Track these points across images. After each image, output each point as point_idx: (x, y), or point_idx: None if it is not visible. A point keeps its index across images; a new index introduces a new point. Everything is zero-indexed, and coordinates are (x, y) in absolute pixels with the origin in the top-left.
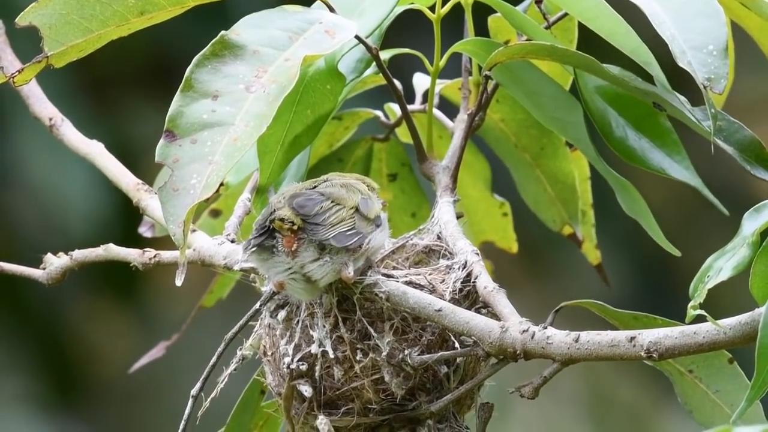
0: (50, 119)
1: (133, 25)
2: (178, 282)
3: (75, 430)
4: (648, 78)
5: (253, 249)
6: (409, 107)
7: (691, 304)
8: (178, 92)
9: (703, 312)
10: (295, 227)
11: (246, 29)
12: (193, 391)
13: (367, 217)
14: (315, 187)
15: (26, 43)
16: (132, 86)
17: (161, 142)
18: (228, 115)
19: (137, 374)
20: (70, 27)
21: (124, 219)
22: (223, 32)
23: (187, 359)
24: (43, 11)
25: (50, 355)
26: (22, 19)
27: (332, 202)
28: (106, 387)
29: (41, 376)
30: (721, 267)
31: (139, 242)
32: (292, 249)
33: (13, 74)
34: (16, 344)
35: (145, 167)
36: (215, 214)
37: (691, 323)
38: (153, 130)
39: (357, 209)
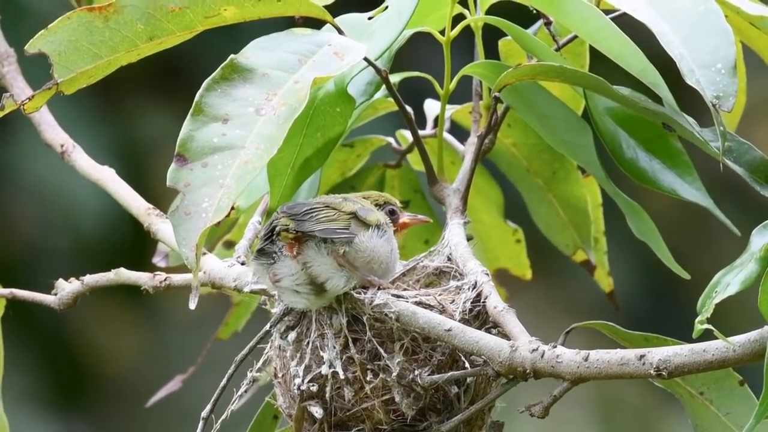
0: (62, 146)
1: (142, 50)
2: (192, 305)
3: (80, 430)
4: (658, 99)
5: (255, 257)
6: (421, 132)
7: (698, 319)
8: (188, 116)
9: (710, 327)
10: (296, 233)
11: (255, 52)
12: (204, 413)
13: (365, 221)
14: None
15: (39, 69)
16: (138, 87)
17: (172, 166)
18: (238, 138)
19: (143, 374)
20: (79, 53)
21: (133, 222)
22: (232, 56)
23: (193, 360)
24: (52, 38)
25: (56, 354)
26: (32, 47)
27: (324, 205)
28: (112, 386)
29: (46, 376)
30: (729, 282)
31: (149, 243)
32: (294, 253)
33: (23, 102)
34: (21, 343)
35: (150, 168)
36: (229, 245)
37: (699, 339)
38: (158, 131)
39: (355, 215)
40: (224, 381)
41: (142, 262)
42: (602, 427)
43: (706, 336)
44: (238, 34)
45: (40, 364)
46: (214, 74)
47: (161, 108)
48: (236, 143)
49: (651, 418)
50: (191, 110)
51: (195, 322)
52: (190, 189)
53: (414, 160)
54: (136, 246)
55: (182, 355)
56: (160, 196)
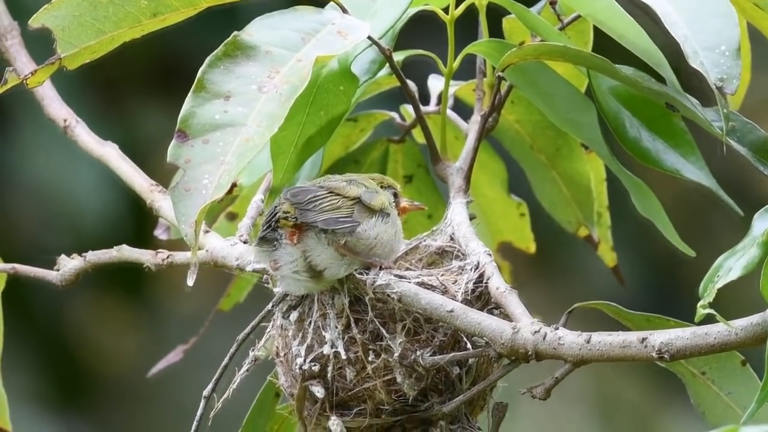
0: (65, 120)
1: (145, 26)
2: (190, 281)
3: (81, 429)
4: (661, 79)
5: (257, 243)
6: (424, 109)
7: (700, 303)
8: (190, 93)
9: (712, 311)
10: (297, 221)
11: (258, 30)
12: (205, 392)
13: (369, 207)
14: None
15: (40, 46)
16: (140, 85)
17: (173, 142)
18: (240, 115)
19: (143, 373)
20: (82, 29)
21: (135, 216)
22: (235, 33)
23: (195, 357)
24: (55, 13)
25: (56, 353)
26: (35, 21)
27: (328, 192)
28: (113, 385)
29: (47, 375)
30: (731, 267)
31: (151, 239)
32: (294, 241)
33: (26, 76)
34: (21, 342)
35: (153, 165)
36: (232, 216)
37: (701, 323)
38: (160, 129)
39: (359, 200)
40: (226, 359)
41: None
42: (601, 425)
43: (708, 319)
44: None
45: (40, 363)
46: (216, 51)
47: (161, 107)
48: (238, 120)
49: (650, 416)
50: (193, 87)
51: (195, 321)
52: (190, 165)
53: (418, 134)
54: (138, 244)
55: (187, 352)
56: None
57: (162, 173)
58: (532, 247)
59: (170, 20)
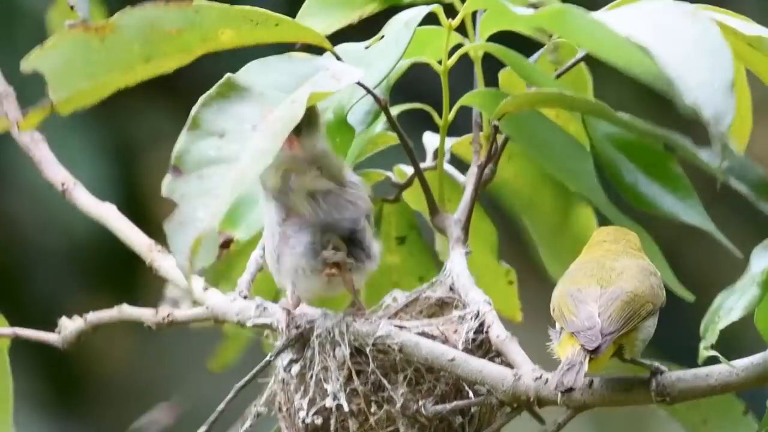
0: (63, 184)
1: (138, 72)
2: (184, 312)
3: (75, 430)
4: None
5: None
6: (421, 165)
7: (703, 345)
8: (184, 130)
9: (715, 353)
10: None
11: (252, 73)
12: None
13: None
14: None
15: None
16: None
17: (168, 177)
18: (234, 151)
19: (137, 375)
20: (74, 73)
21: (132, 217)
22: (229, 74)
23: (188, 360)
24: (47, 57)
25: (49, 355)
26: (26, 65)
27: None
28: (106, 387)
29: (42, 376)
30: (731, 307)
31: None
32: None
33: (18, 119)
34: (14, 344)
35: (144, 165)
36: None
37: (695, 356)
38: (153, 129)
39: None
40: (221, 405)
41: (139, 265)
42: (598, 427)
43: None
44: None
45: (36, 364)
46: (210, 91)
47: (156, 105)
48: (232, 156)
49: (645, 421)
50: (187, 124)
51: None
52: (185, 199)
53: (410, 198)
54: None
55: (179, 356)
56: (155, 194)
57: (154, 171)
58: (518, 316)
59: (164, 67)
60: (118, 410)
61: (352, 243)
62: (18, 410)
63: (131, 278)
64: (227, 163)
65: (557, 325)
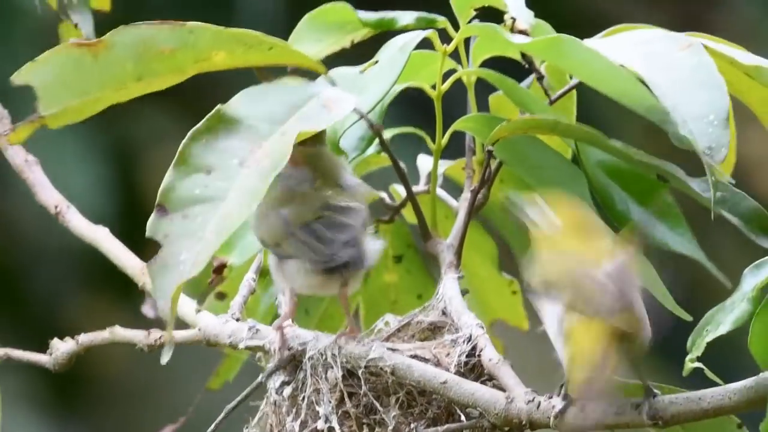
0: (56, 207)
1: (130, 90)
2: (164, 360)
3: (73, 431)
4: (649, 151)
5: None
6: (414, 188)
7: (688, 357)
8: (171, 166)
9: (701, 365)
10: None
11: (243, 103)
12: None
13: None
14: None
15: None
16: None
17: (153, 216)
18: (220, 190)
19: (137, 374)
20: (66, 88)
21: (127, 220)
22: (219, 106)
23: (188, 360)
24: (40, 71)
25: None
26: (19, 78)
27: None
28: (106, 387)
29: (39, 376)
30: (720, 321)
31: (141, 244)
32: None
33: (5, 132)
34: (14, 343)
35: (141, 166)
36: (221, 296)
37: (692, 375)
38: (150, 130)
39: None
40: (212, 427)
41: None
42: None
43: (701, 377)
44: None
45: (33, 366)
46: (199, 125)
47: (154, 105)
48: (218, 195)
49: None
50: (174, 160)
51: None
52: (168, 240)
53: (408, 214)
54: (132, 248)
55: (176, 356)
56: (153, 194)
57: (151, 173)
58: (525, 324)
59: (156, 85)
60: (118, 411)
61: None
62: (17, 410)
63: (131, 279)
64: (213, 202)
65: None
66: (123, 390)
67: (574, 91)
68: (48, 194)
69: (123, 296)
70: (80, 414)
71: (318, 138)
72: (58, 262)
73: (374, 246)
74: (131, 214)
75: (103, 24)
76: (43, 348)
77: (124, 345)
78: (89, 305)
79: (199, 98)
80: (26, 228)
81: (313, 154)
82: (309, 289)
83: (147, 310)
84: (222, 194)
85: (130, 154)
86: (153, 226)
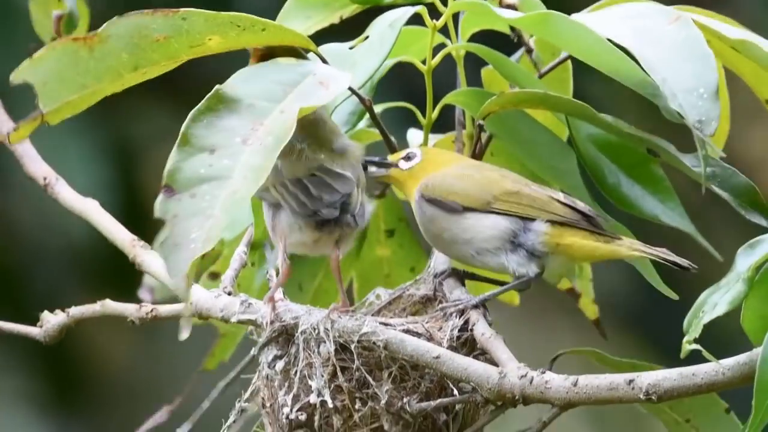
0: (44, 178)
1: (126, 80)
2: (183, 336)
3: (74, 430)
4: (641, 123)
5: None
6: None
7: (686, 339)
8: (174, 148)
9: (698, 347)
10: None
11: (240, 83)
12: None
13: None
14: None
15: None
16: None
17: (160, 197)
18: (225, 168)
19: (137, 374)
20: (64, 84)
21: (128, 220)
22: (218, 86)
23: (187, 359)
24: (37, 68)
25: (49, 355)
26: (17, 77)
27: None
28: (106, 386)
29: (40, 376)
30: (716, 302)
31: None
32: None
33: (8, 132)
34: (14, 344)
35: (143, 166)
36: (214, 276)
37: (686, 358)
38: (153, 127)
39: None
40: (206, 404)
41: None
42: (592, 427)
43: (695, 356)
44: None
45: (32, 363)
46: (199, 105)
47: (156, 104)
48: (224, 173)
49: (642, 418)
50: (177, 141)
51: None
52: (178, 220)
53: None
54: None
55: (176, 354)
56: (153, 194)
57: (152, 172)
58: (516, 300)
59: (151, 73)
60: (117, 409)
61: (342, 210)
62: (17, 410)
63: (131, 278)
64: (219, 180)
65: None
66: (123, 390)
67: (569, 63)
68: (36, 166)
69: (123, 295)
70: (80, 414)
71: None
72: (58, 261)
73: (368, 208)
74: (133, 213)
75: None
76: (43, 347)
77: (124, 345)
78: (88, 302)
79: (201, 98)
80: (27, 228)
81: (311, 121)
82: (302, 248)
83: (144, 293)
84: (227, 172)
85: (132, 154)
86: (161, 206)
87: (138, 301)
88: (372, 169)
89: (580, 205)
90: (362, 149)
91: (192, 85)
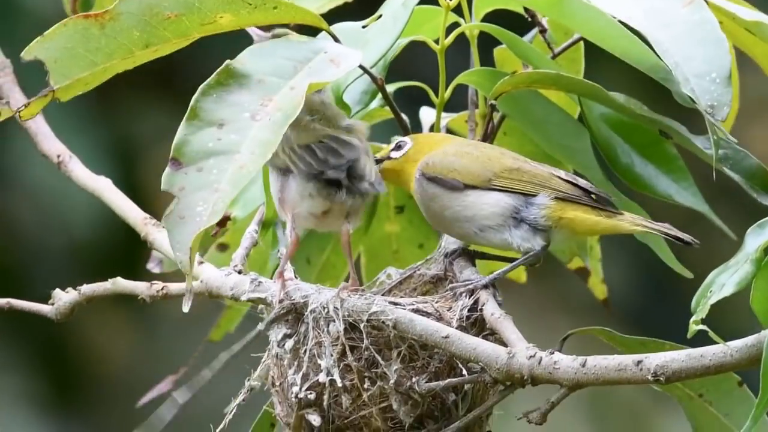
0: (58, 156)
1: (138, 57)
2: (185, 309)
3: (74, 430)
4: (653, 104)
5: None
6: None
7: (693, 319)
8: (183, 121)
9: (705, 327)
10: None
11: (251, 58)
12: (178, 397)
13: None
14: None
15: (34, 76)
16: (133, 82)
17: (167, 170)
18: (233, 143)
19: (136, 373)
20: (75, 60)
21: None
22: (228, 61)
23: (187, 358)
24: (48, 45)
25: (49, 354)
26: (28, 54)
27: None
28: (105, 386)
29: (40, 376)
30: (723, 283)
31: (143, 244)
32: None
33: (19, 108)
34: (14, 343)
35: (145, 163)
36: (222, 248)
37: (695, 339)
38: (153, 127)
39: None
40: (206, 373)
41: (137, 263)
42: (593, 424)
43: (704, 338)
44: (232, 33)
45: (33, 363)
46: (209, 79)
47: (156, 104)
48: (231, 148)
49: (643, 415)
50: (186, 115)
51: (188, 320)
52: (184, 193)
53: None
54: (131, 246)
55: (175, 353)
56: (155, 194)
57: (157, 174)
58: (523, 277)
59: (162, 51)
60: (116, 408)
61: (352, 176)
62: (18, 409)
63: (132, 277)
64: (227, 154)
65: None
66: (123, 389)
67: (581, 43)
68: (50, 144)
69: (123, 296)
70: (80, 413)
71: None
72: (58, 260)
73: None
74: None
75: None
76: (43, 346)
77: (124, 344)
78: (89, 306)
79: None
80: (27, 227)
81: (318, 103)
82: (311, 220)
83: (152, 266)
84: (235, 147)
85: (134, 153)
86: (168, 179)
87: (137, 301)
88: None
89: (582, 182)
90: (367, 126)
91: (192, 84)
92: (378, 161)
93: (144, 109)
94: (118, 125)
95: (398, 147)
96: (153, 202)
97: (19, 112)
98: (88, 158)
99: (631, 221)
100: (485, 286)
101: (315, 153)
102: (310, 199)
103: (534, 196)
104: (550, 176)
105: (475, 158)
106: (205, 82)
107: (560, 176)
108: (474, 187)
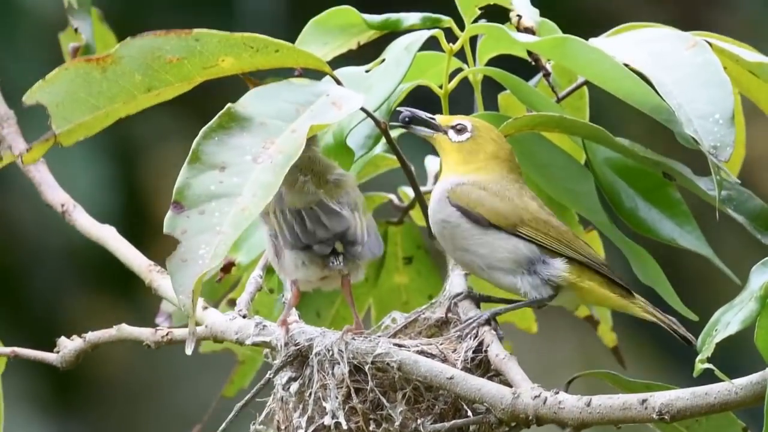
0: (62, 205)
1: (140, 101)
2: (188, 351)
3: (74, 430)
4: (657, 147)
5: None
6: (422, 189)
7: (699, 358)
8: (185, 164)
9: (711, 366)
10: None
11: (253, 101)
12: None
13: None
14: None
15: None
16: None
17: (169, 213)
18: (235, 185)
19: (138, 374)
20: (77, 105)
21: (131, 219)
22: (230, 105)
23: (187, 360)
24: (49, 89)
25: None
26: (29, 98)
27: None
28: (106, 387)
29: (40, 376)
30: (729, 321)
31: (145, 242)
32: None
33: (21, 153)
34: (15, 344)
35: (145, 163)
36: (232, 303)
37: (699, 377)
38: (154, 127)
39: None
40: (223, 426)
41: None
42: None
43: (708, 375)
44: None
45: (34, 364)
46: (211, 123)
47: (158, 106)
48: (233, 191)
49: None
50: (188, 158)
51: None
52: (186, 236)
53: (417, 216)
54: (137, 245)
55: (176, 355)
56: (155, 194)
57: (152, 173)
58: (533, 327)
59: (165, 95)
60: (119, 410)
61: (345, 242)
62: (19, 410)
63: (131, 278)
64: (228, 197)
65: None
66: (124, 390)
67: (585, 90)
68: (54, 193)
69: (124, 294)
70: (82, 414)
71: (312, 140)
72: (59, 261)
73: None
74: (135, 212)
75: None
76: (45, 346)
77: (124, 345)
78: (91, 303)
79: (203, 98)
80: (27, 227)
81: (309, 158)
82: (310, 284)
83: (161, 320)
84: (237, 189)
85: (134, 154)
86: (170, 222)
87: (138, 302)
88: (418, 128)
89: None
90: (353, 177)
91: (198, 87)
92: (434, 127)
93: (146, 110)
94: (119, 125)
95: (459, 130)
96: (153, 202)
97: (21, 156)
98: (89, 158)
99: (642, 306)
100: (487, 321)
101: (304, 222)
102: (304, 267)
103: (553, 256)
104: (574, 238)
105: (507, 199)
106: (207, 125)
107: (585, 241)
108: (498, 228)
